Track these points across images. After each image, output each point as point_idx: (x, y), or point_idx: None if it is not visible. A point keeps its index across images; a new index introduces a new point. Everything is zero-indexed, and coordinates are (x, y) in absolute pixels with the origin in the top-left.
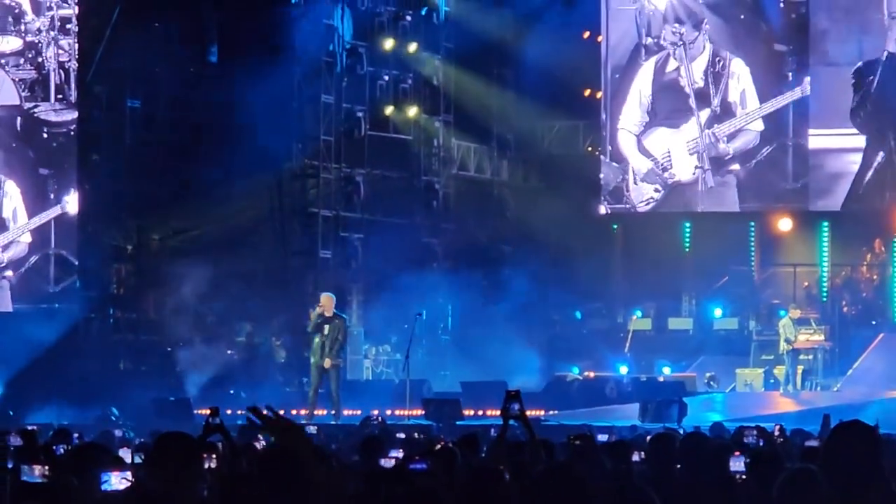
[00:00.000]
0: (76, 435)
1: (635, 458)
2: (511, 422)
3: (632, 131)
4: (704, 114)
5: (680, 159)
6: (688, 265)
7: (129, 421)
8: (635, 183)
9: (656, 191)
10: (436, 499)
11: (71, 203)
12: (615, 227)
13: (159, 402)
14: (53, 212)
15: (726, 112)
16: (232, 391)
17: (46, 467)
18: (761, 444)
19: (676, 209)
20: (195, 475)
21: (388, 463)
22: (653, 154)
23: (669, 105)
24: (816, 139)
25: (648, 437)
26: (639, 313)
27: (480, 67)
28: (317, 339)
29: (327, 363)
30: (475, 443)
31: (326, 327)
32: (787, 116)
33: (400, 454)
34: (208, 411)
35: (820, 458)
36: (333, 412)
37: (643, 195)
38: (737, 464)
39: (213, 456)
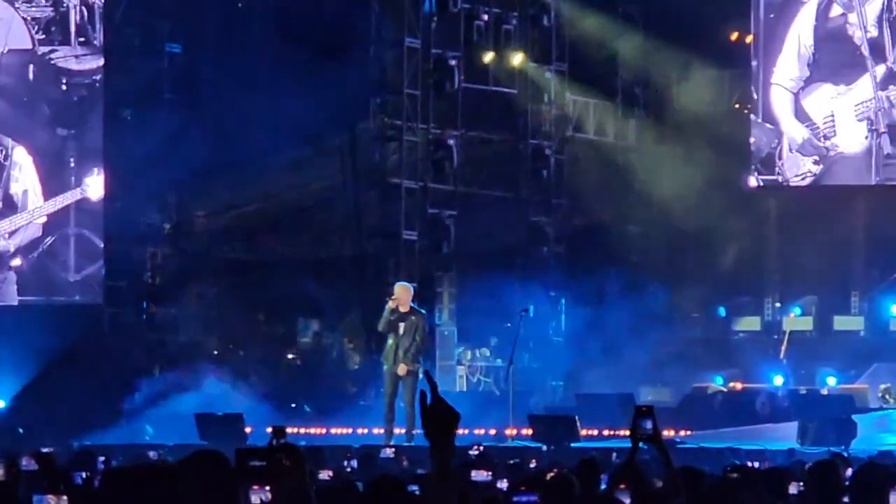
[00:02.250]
0: (101, 458)
1: (793, 489)
2: (641, 444)
3: (788, 87)
4: (880, 70)
5: (845, 126)
6: (858, 252)
7: (167, 441)
8: (790, 152)
9: (815, 163)
10: None
11: (93, 186)
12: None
13: (203, 418)
14: (73, 195)
15: None
16: (294, 405)
17: (65, 497)
18: None
19: (841, 183)
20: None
21: (479, 476)
22: (812, 118)
23: (835, 58)
24: None
25: (808, 465)
26: (797, 310)
27: (601, 4)
28: (390, 341)
29: (402, 370)
30: (595, 470)
31: (402, 325)
32: None
33: (504, 484)
34: (270, 431)
35: None
36: (405, 431)
37: (799, 168)
38: None
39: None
